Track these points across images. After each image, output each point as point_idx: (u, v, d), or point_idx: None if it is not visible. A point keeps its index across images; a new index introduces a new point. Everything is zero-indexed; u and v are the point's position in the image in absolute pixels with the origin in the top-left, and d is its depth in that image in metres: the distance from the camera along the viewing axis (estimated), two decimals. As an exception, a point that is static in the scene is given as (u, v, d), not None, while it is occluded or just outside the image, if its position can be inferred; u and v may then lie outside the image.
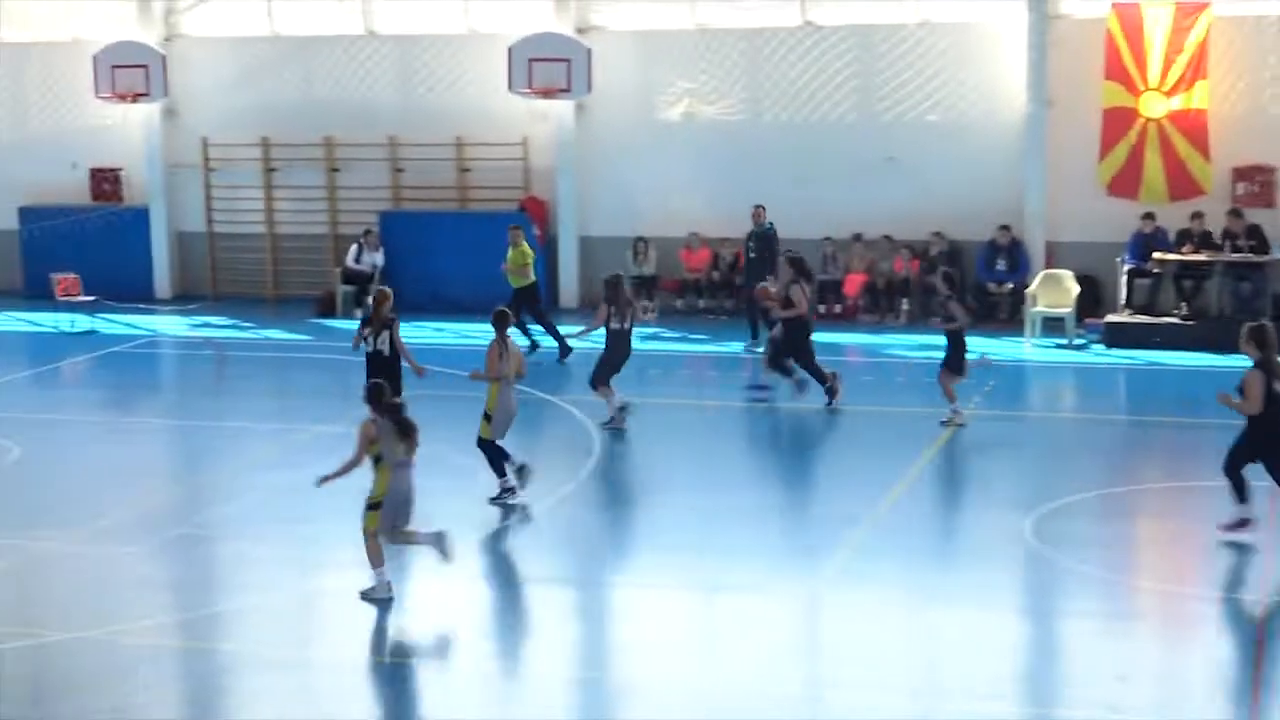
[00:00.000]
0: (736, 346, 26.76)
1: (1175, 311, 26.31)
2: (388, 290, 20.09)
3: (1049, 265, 27.82)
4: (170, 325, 29.35)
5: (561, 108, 29.75)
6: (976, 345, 25.90)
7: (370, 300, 20.65)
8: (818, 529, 17.00)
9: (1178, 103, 27.25)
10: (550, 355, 25.00)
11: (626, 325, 21.10)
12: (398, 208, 31.03)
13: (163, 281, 32.17)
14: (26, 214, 32.55)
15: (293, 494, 18.66)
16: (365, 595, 14.90)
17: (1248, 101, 27.36)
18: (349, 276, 29.92)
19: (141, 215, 32.18)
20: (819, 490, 18.41)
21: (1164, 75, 27.19)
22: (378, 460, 14.81)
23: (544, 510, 17.81)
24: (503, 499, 17.79)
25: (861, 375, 23.55)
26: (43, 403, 23.80)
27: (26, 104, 32.97)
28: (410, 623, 15.13)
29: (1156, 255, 26.49)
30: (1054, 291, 27.05)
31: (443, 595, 15.58)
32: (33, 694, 13.41)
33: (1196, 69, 27.08)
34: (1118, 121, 27.59)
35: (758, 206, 27.00)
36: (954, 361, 20.76)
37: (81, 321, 29.36)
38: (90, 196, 32.58)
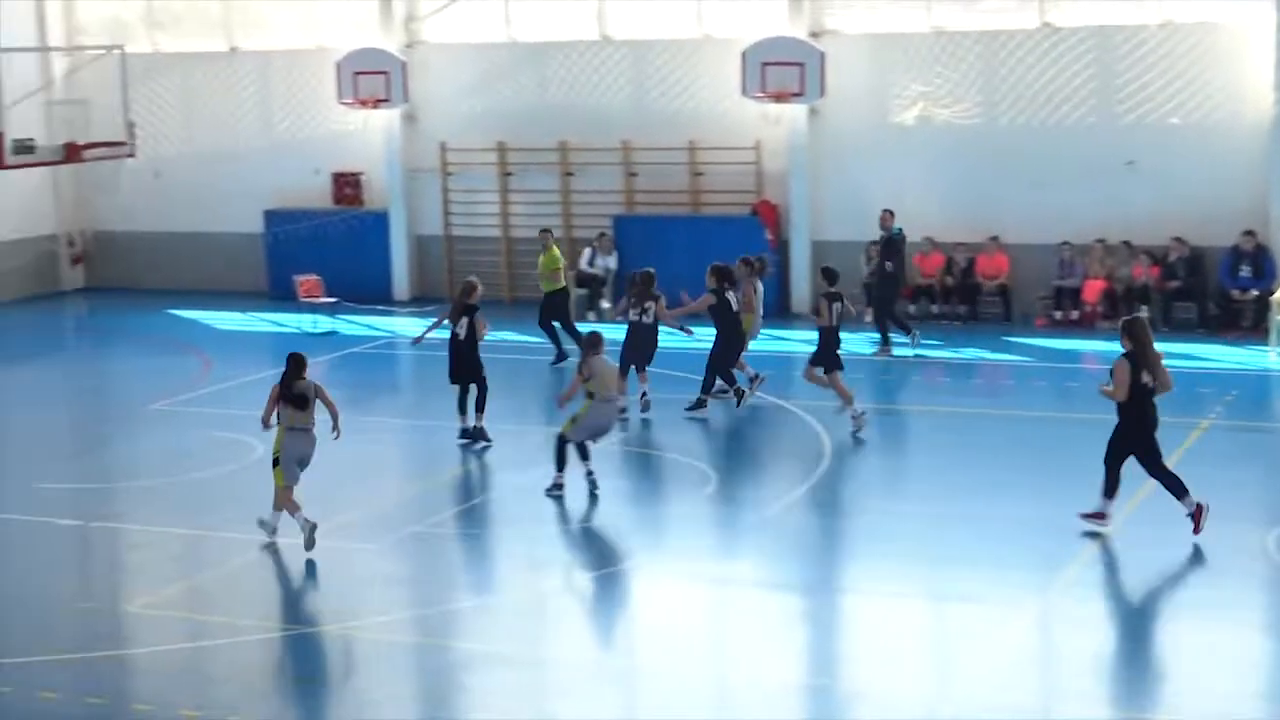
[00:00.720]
0: (971, 353, 26.44)
1: None
2: (475, 281, 21.38)
3: (1296, 271, 27.01)
4: (408, 326, 29.91)
5: (794, 111, 29.66)
6: (1218, 354, 25.32)
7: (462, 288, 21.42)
8: (1052, 539, 16.69)
9: None
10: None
11: (647, 319, 22.24)
12: (631, 212, 31.21)
13: (401, 283, 32.77)
14: (271, 217, 33.42)
15: (526, 494, 18.90)
16: None
17: None
18: (582, 280, 30.20)
19: (381, 219, 32.82)
20: (1053, 499, 18.08)
21: None
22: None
23: (774, 515, 17.78)
24: (554, 493, 18.30)
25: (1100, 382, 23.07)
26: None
27: (272, 110, 33.84)
28: (640, 624, 15.21)
29: None
30: (1301, 299, 26.24)
31: (672, 598, 15.64)
32: (273, 686, 13.75)
33: None
34: (1370, 123, 26.68)
35: (885, 211, 26.91)
36: (820, 357, 21.16)
37: (322, 322, 30.04)
38: (332, 200, 33.33)
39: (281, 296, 31.80)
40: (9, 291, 33.80)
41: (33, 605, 15.74)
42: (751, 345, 23.48)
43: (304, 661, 14.22)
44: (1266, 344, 25.88)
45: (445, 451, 20.63)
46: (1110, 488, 16.48)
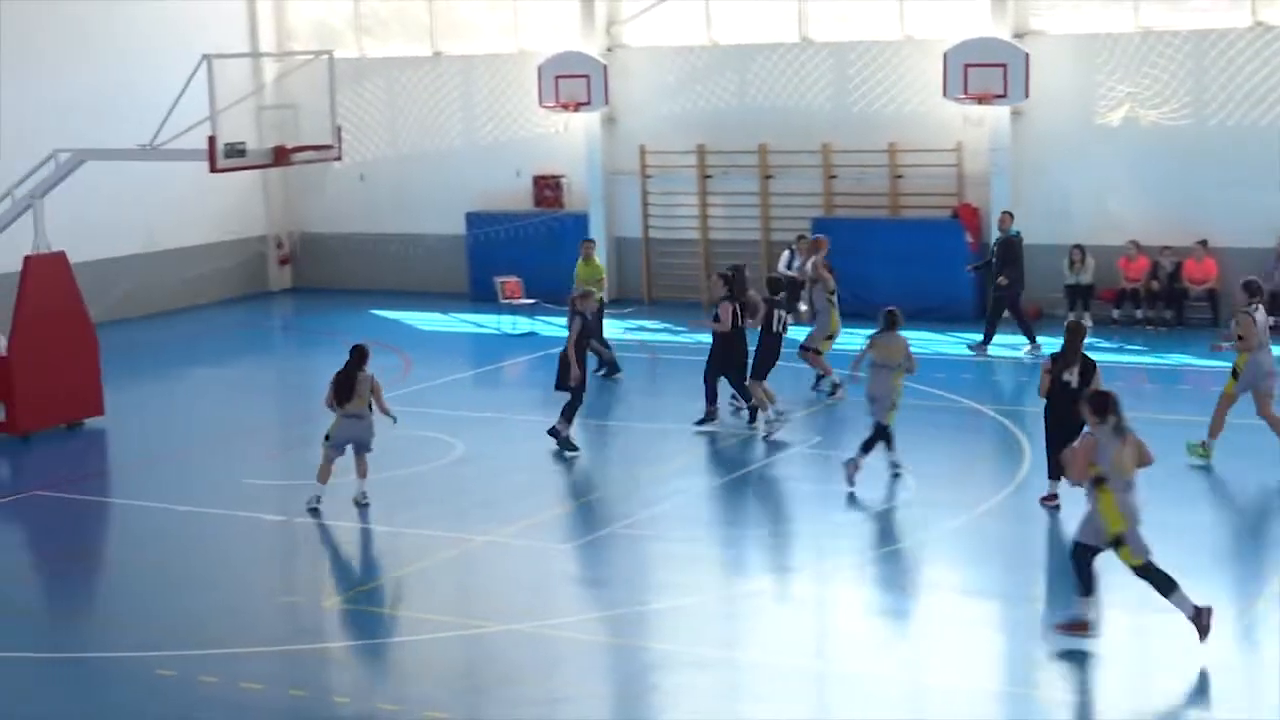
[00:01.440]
0: (1177, 359, 25.90)
1: None
2: (591, 290, 21.66)
3: None
4: (606, 328, 30.07)
5: (997, 113, 29.29)
6: None
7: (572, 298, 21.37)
8: (1257, 551, 16.27)
9: None
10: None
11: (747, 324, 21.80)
12: (830, 215, 31.05)
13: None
14: (473, 219, 33.83)
15: (721, 496, 18.93)
16: None
17: None
18: (778, 283, 29.99)
19: (581, 221, 33.04)
20: (1258, 511, 17.64)
21: None
22: None
23: (973, 520, 17.58)
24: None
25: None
26: (484, 402, 24.67)
27: (474, 114, 34.25)
28: (834, 627, 15.13)
29: None
30: None
31: (866, 601, 15.54)
32: (468, 682, 13.91)
33: None
34: None
35: (1005, 212, 27.04)
36: (757, 368, 21.44)
37: (522, 324, 30.33)
38: (533, 203, 33.64)
39: (482, 298, 32.17)
40: (220, 291, 34.66)
41: (239, 598, 16.11)
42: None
43: (498, 659, 14.35)
44: None
45: (639, 452, 20.70)
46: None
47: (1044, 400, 17.73)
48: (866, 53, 30.66)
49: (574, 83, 32.02)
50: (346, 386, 18.28)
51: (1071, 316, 19.10)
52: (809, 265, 25.19)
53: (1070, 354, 17.57)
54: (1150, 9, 28.73)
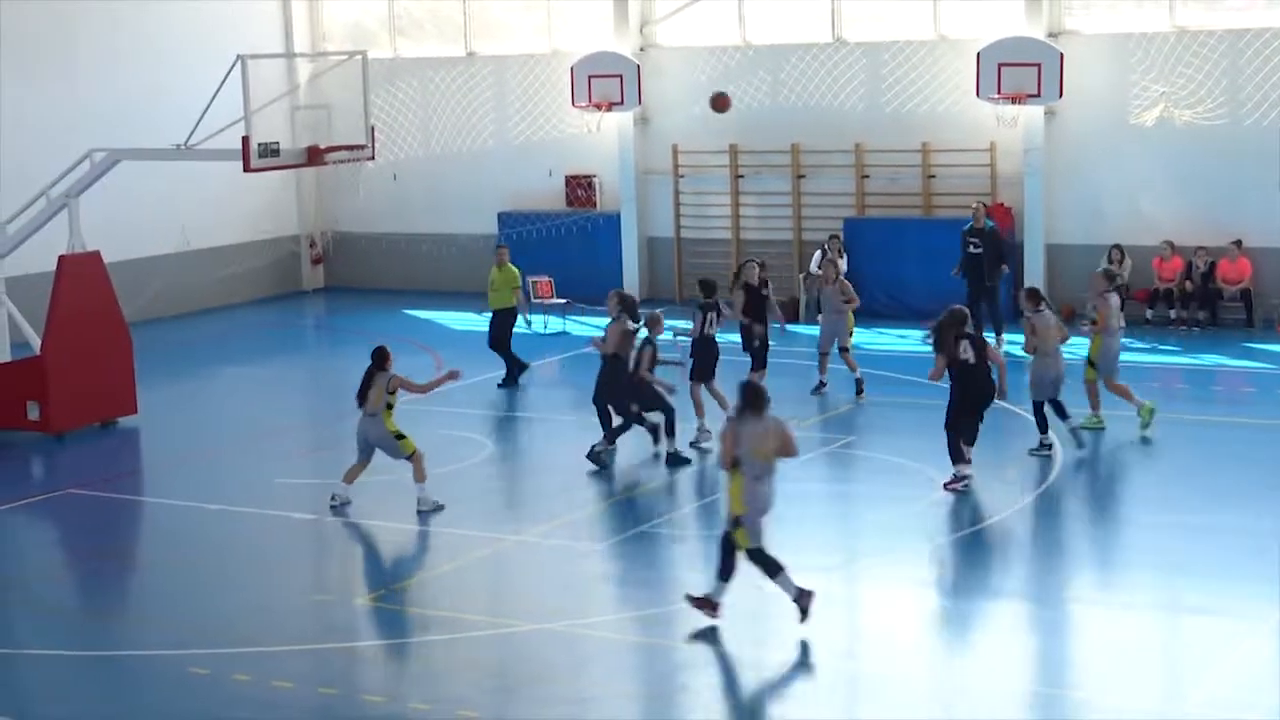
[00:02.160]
0: (1210, 359, 25.80)
1: None
2: (659, 314, 20.97)
3: None
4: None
5: (1030, 113, 29.20)
6: None
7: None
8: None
9: None
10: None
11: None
12: (862, 215, 31.00)
13: (632, 285, 32.91)
14: (505, 219, 33.87)
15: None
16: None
17: None
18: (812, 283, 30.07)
19: (613, 221, 33.06)
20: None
21: None
22: None
23: (1004, 521, 17.53)
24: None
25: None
26: (515, 401, 24.69)
27: (507, 114, 34.28)
28: (864, 628, 15.11)
29: None
30: None
31: (896, 602, 15.51)
32: (499, 682, 13.92)
33: None
34: None
35: (980, 204, 27.78)
36: (696, 371, 21.21)
37: (553, 323, 30.35)
38: (565, 202, 33.67)
39: (515, 297, 32.16)
40: (253, 290, 34.77)
41: (270, 596, 16.16)
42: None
43: (528, 658, 14.37)
44: None
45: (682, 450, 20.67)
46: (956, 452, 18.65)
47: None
48: (900, 53, 30.59)
49: (607, 82, 32.03)
50: (363, 387, 18.40)
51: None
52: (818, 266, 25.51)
53: (947, 335, 18.79)
54: (1185, 8, 28.61)
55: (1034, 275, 29.61)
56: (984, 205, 27.86)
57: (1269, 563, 15.79)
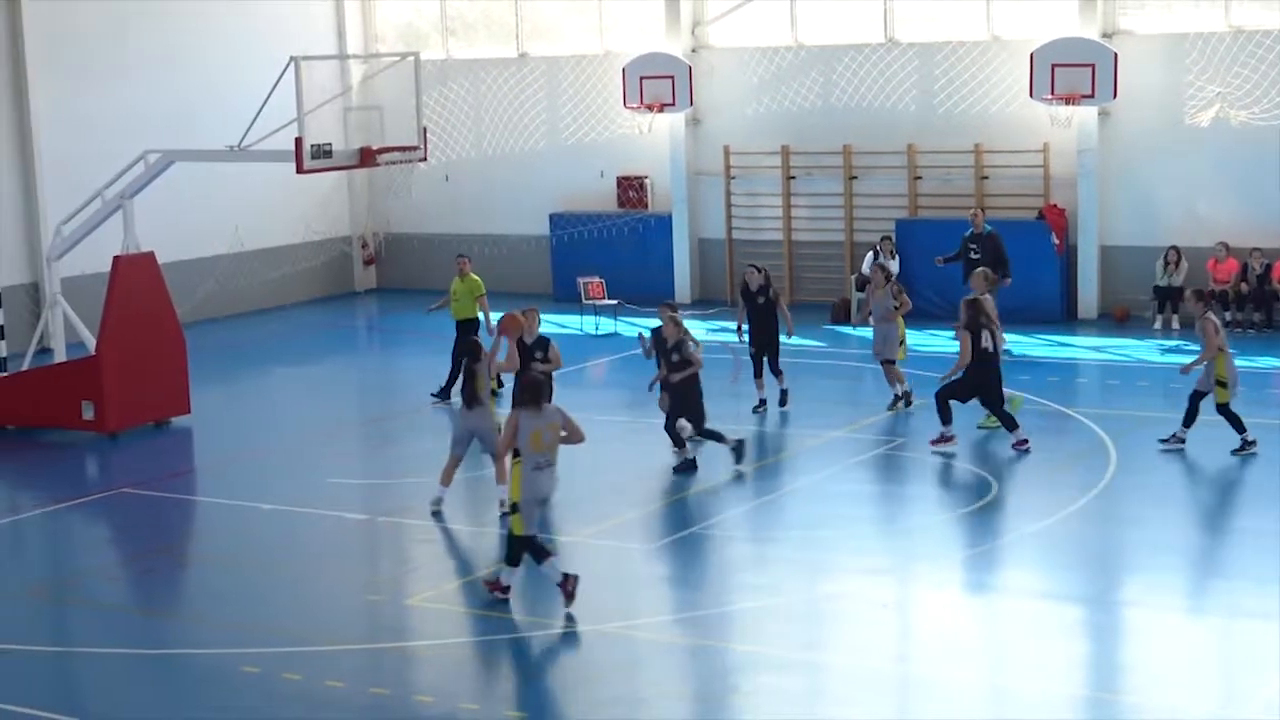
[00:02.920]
0: (1266, 362, 25.59)
1: None
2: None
3: None
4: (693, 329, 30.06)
5: (1084, 113, 29.05)
6: None
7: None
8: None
9: None
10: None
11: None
12: (914, 216, 30.91)
13: (683, 286, 32.95)
14: (556, 220, 33.91)
15: (803, 498, 18.87)
16: None
17: None
18: (862, 283, 29.98)
19: (664, 222, 33.06)
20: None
21: None
22: None
23: (1054, 525, 17.44)
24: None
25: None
26: (567, 402, 24.45)
27: (558, 115, 34.31)
28: (916, 631, 15.06)
29: None
30: None
31: (948, 606, 15.46)
32: (549, 682, 13.94)
33: None
34: None
35: (979, 208, 28.24)
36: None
37: (605, 325, 30.36)
38: (616, 204, 33.68)
39: (566, 298, 32.23)
40: (306, 291, 34.91)
41: (322, 596, 16.22)
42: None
43: (579, 659, 14.38)
44: None
45: (719, 454, 20.66)
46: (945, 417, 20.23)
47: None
48: (953, 53, 30.48)
49: (659, 83, 32.04)
50: (466, 383, 18.16)
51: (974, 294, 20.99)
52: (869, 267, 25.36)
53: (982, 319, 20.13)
54: (1241, 8, 28.42)
55: (1088, 277, 29.52)
56: (981, 210, 27.97)
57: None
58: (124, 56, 31.26)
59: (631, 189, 33.51)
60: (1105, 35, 28.97)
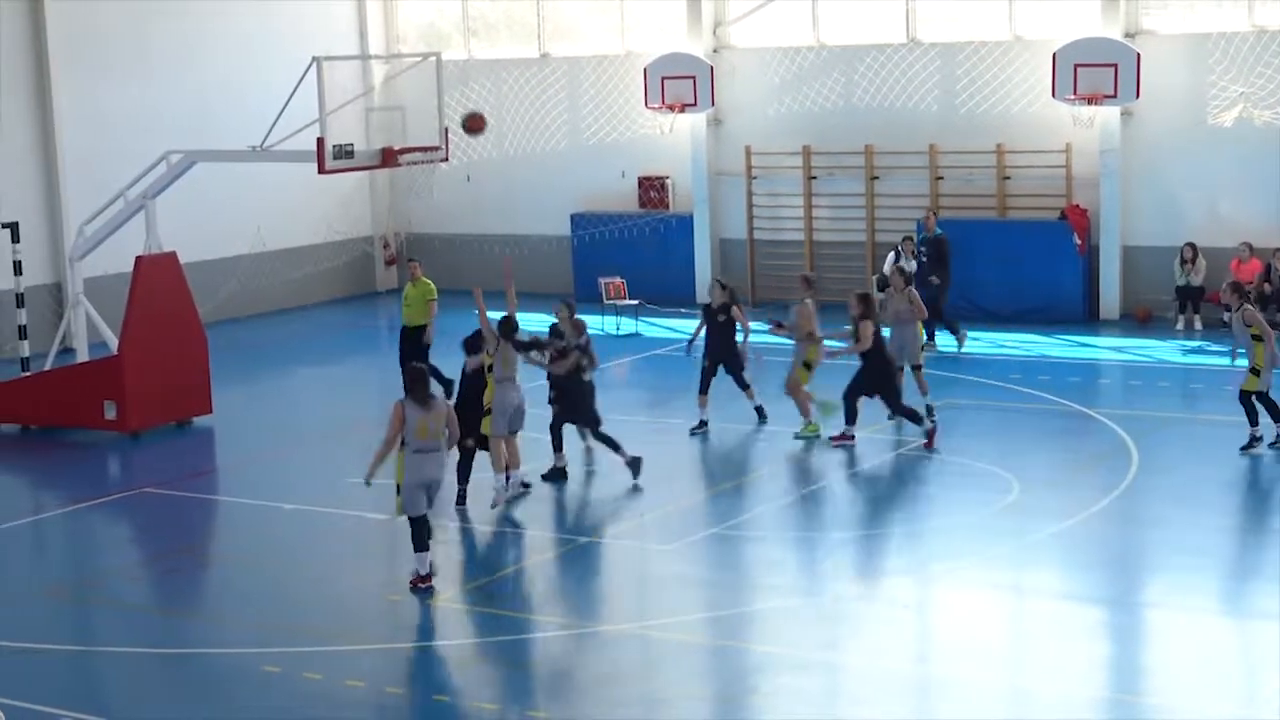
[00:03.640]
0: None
1: None
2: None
3: None
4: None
5: (1106, 114, 28.97)
6: None
7: None
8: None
9: None
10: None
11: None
12: (936, 216, 30.81)
13: (704, 287, 32.77)
14: (577, 220, 33.92)
15: (823, 498, 18.86)
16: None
17: None
18: (884, 284, 29.92)
19: (685, 222, 33.04)
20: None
21: None
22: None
23: (1075, 525, 17.41)
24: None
25: None
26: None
27: (580, 115, 34.32)
28: (936, 632, 15.03)
29: None
30: None
31: (969, 606, 15.43)
32: (569, 682, 13.94)
33: None
34: None
35: (929, 212, 28.36)
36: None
37: (626, 325, 30.35)
38: (638, 204, 33.67)
39: (586, 298, 32.18)
40: (327, 291, 34.95)
41: (343, 595, 16.24)
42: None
43: (599, 659, 14.38)
44: None
45: (741, 455, 20.68)
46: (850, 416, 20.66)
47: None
48: (975, 53, 30.42)
49: (680, 84, 32.03)
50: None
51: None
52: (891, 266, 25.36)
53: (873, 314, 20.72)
54: (1265, 8, 28.31)
55: (1110, 278, 29.43)
56: (933, 214, 28.17)
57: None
58: (146, 56, 31.35)
59: (653, 189, 33.50)
60: (1128, 35, 28.89)
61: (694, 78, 31.93)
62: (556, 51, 34.52)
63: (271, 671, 14.06)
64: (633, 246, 32.94)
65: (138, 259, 23.16)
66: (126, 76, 30.90)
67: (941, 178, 30.83)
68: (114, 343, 23.49)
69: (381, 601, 16.07)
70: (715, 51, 32.53)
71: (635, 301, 30.64)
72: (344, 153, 22.81)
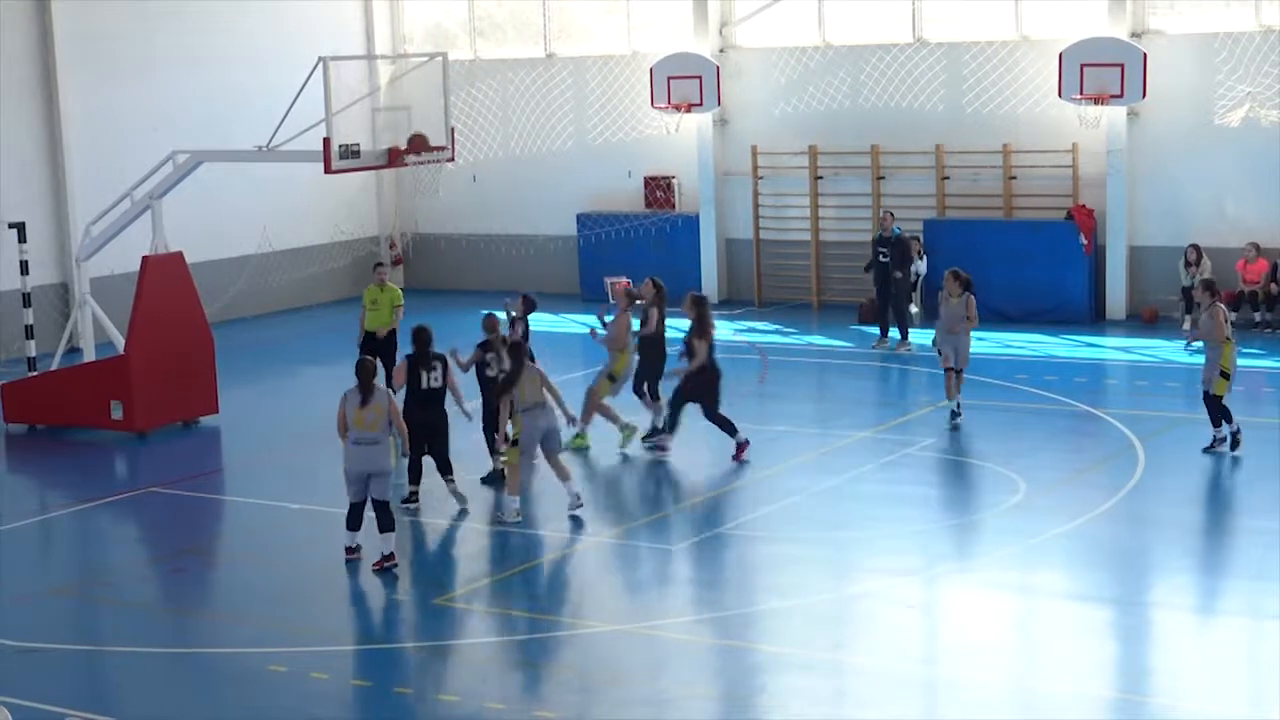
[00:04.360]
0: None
1: None
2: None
3: None
4: (718, 330, 30.01)
5: (1113, 114, 28.95)
6: None
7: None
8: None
9: None
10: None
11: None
12: (942, 216, 30.84)
13: (710, 286, 32.88)
14: (583, 220, 33.92)
15: (830, 498, 18.84)
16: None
17: None
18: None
19: (692, 222, 33.04)
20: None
21: None
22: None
23: (1082, 526, 17.39)
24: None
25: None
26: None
27: (586, 115, 34.32)
28: (943, 632, 15.03)
29: None
30: None
31: (976, 607, 15.42)
32: (576, 682, 13.93)
33: None
34: None
35: (888, 212, 28.39)
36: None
37: (632, 324, 30.22)
38: (644, 204, 33.67)
39: (593, 298, 32.19)
40: (333, 291, 34.94)
41: (349, 595, 16.24)
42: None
43: (606, 659, 14.37)
44: None
45: (750, 454, 20.64)
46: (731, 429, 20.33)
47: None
48: (981, 53, 30.41)
49: (686, 83, 32.03)
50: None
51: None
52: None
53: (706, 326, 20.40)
54: (1272, 7, 28.28)
55: (1116, 278, 29.42)
56: (891, 215, 28.24)
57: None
58: (152, 57, 31.36)
59: (659, 189, 33.50)
60: (1134, 35, 28.88)
61: (700, 78, 31.92)
62: (562, 51, 34.53)
63: (278, 671, 14.07)
64: (639, 246, 32.94)
65: (144, 259, 23.17)
66: (133, 77, 30.92)
67: (947, 178, 30.81)
68: (120, 343, 23.51)
69: (387, 601, 16.07)
70: (721, 51, 32.53)
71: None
72: (350, 153, 22.80)
